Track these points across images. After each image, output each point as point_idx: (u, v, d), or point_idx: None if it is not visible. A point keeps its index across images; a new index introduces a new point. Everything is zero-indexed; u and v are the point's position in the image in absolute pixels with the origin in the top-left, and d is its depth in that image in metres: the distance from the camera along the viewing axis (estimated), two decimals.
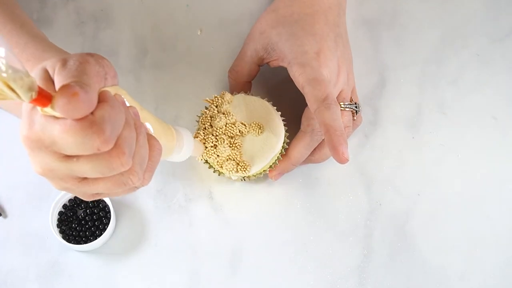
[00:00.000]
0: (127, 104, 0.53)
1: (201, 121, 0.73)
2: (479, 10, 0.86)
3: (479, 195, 0.77)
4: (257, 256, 0.75)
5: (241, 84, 0.78)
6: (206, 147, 0.71)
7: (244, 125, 0.72)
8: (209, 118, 0.72)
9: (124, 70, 0.83)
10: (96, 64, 0.49)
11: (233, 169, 0.71)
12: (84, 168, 0.49)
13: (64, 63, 0.48)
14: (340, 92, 0.74)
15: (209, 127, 0.72)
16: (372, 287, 0.74)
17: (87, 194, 0.54)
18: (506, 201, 0.77)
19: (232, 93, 0.75)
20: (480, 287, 0.74)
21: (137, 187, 0.54)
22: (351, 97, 0.75)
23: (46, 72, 0.48)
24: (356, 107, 0.75)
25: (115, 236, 0.76)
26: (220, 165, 0.71)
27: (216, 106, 0.73)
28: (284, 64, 0.72)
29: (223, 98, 0.73)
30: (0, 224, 0.76)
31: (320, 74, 0.69)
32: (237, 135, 0.72)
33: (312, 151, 0.75)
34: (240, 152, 0.72)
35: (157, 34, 0.85)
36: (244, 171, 0.71)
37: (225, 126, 0.72)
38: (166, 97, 0.82)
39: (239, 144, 0.72)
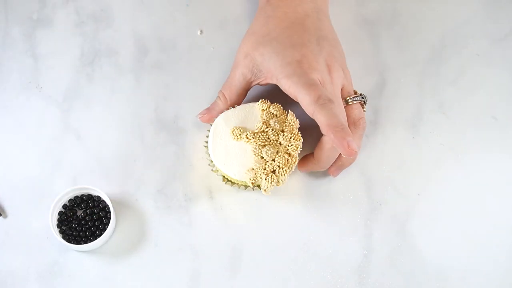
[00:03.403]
0: None
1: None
2: (479, 10, 0.86)
3: (479, 195, 0.77)
4: (257, 256, 0.75)
5: (230, 106, 0.77)
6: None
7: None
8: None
9: (124, 70, 0.83)
10: None
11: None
12: None
13: None
14: (342, 88, 0.74)
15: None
16: (372, 287, 0.74)
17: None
18: (506, 201, 0.77)
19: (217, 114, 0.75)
20: (480, 287, 0.74)
21: None
22: (354, 90, 0.76)
23: None
24: (362, 97, 0.75)
25: (115, 236, 0.76)
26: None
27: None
28: (273, 81, 0.73)
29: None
30: (0, 224, 0.76)
31: (308, 78, 0.70)
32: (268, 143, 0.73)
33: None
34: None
35: (157, 34, 0.85)
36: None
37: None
38: (166, 97, 0.82)
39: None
